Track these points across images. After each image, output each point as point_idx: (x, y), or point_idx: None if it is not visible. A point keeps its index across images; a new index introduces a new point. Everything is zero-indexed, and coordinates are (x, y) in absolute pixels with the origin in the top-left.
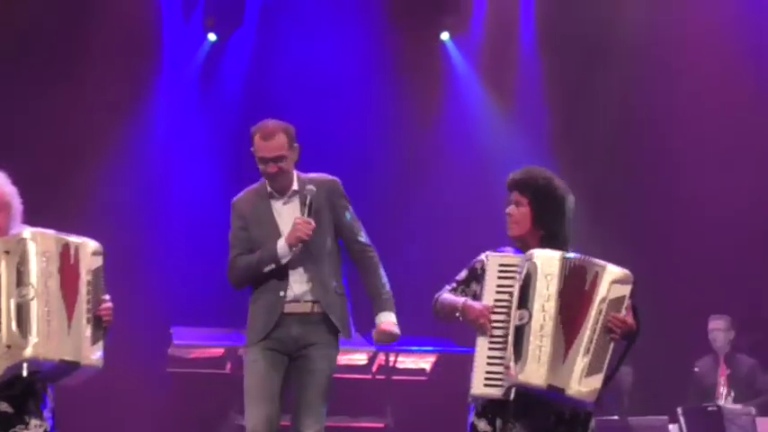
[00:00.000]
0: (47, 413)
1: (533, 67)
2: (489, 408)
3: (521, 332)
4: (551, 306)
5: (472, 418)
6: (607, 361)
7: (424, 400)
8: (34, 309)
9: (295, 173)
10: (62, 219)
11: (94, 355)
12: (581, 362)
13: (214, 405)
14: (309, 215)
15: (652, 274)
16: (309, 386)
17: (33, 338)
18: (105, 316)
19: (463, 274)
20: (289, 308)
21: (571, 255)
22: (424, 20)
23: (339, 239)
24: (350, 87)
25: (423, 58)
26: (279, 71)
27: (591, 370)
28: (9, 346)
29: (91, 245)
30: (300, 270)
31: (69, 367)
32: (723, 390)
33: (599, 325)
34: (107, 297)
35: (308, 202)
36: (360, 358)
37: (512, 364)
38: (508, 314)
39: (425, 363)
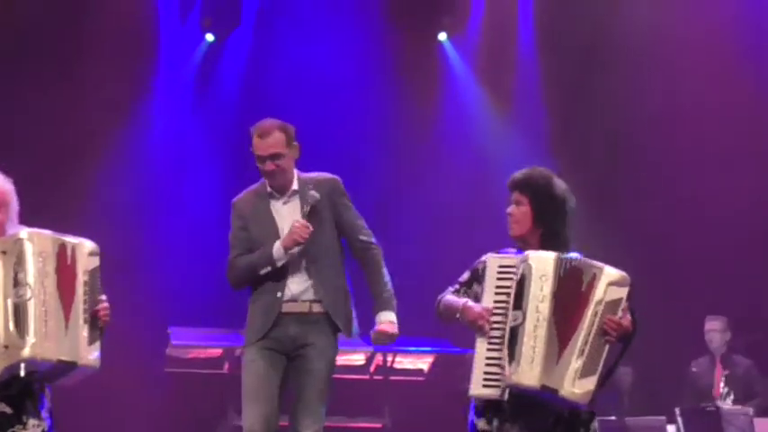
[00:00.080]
0: (44, 413)
1: (531, 68)
2: (488, 407)
3: (515, 333)
4: (545, 307)
5: (472, 416)
6: (602, 363)
7: (421, 400)
8: (31, 309)
9: (296, 172)
10: (60, 219)
11: (91, 355)
12: (575, 363)
13: (212, 405)
14: (309, 219)
15: (651, 274)
16: (307, 386)
17: (31, 339)
18: (102, 316)
19: (465, 275)
20: (286, 307)
21: (567, 256)
22: (421, 20)
23: (342, 238)
24: (347, 88)
25: (420, 59)
26: (276, 71)
27: (585, 371)
28: (6, 347)
29: (87, 245)
30: (299, 270)
31: (67, 367)
32: (724, 390)
33: (594, 327)
34: (104, 297)
35: (308, 208)
36: (357, 358)
37: (506, 364)
38: (506, 315)
39: (423, 363)
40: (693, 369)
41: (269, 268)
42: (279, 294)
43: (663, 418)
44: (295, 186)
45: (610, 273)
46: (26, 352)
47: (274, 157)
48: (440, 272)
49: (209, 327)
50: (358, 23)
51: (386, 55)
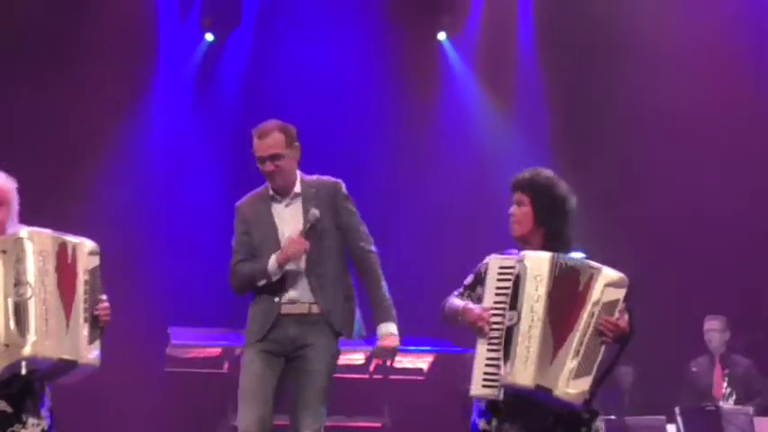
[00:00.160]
0: (44, 412)
1: (531, 66)
2: (488, 407)
3: (510, 333)
4: (540, 307)
5: (475, 417)
6: (597, 364)
7: (421, 399)
8: (32, 307)
9: (299, 174)
10: (60, 218)
11: (92, 354)
12: (570, 363)
13: (211, 405)
14: (308, 236)
15: (651, 273)
16: (306, 387)
17: (32, 337)
18: (103, 316)
19: (470, 278)
20: (286, 309)
21: (564, 256)
22: (420, 20)
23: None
24: (347, 87)
25: (420, 58)
26: (276, 70)
27: (580, 372)
28: (7, 345)
29: (88, 244)
30: (299, 275)
31: (67, 366)
32: (726, 390)
33: (590, 327)
34: (104, 297)
35: (308, 225)
36: (357, 358)
37: (501, 364)
38: (504, 315)
39: (423, 363)
40: (693, 369)
41: (265, 281)
42: (277, 299)
43: (663, 417)
44: (298, 189)
45: (607, 274)
46: (27, 350)
47: (273, 157)
48: (440, 271)
49: (208, 327)
50: (358, 23)
51: (386, 55)
